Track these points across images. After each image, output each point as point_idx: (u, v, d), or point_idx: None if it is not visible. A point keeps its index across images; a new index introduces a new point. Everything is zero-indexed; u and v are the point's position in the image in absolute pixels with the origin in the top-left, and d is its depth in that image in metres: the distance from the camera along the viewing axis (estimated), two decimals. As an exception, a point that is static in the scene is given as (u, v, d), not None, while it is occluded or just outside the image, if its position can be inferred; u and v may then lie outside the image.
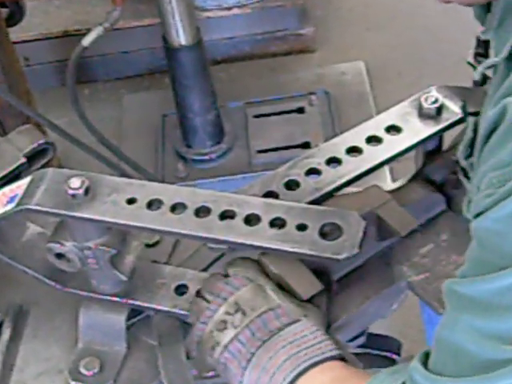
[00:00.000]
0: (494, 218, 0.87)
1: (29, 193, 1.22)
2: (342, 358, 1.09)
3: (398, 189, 1.37)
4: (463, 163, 1.25)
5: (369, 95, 3.01)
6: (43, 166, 1.36)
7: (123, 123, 3.07)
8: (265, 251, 1.17)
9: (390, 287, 1.29)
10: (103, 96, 3.26)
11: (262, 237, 1.14)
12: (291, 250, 1.13)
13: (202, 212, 1.18)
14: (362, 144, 1.30)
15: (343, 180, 1.27)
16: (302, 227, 1.15)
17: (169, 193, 1.21)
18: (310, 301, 1.16)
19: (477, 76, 1.13)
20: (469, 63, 1.30)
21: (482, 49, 1.25)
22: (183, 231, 1.17)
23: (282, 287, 1.16)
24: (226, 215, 1.18)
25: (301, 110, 2.94)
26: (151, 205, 1.20)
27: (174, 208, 1.19)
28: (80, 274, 1.29)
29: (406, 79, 3.02)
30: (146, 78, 3.30)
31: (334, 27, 3.40)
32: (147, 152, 2.90)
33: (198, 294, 1.19)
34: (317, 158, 1.29)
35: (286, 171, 1.28)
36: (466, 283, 0.91)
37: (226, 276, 1.18)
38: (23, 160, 1.36)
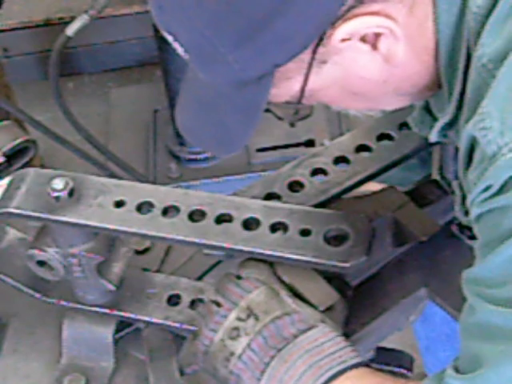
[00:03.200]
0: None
1: (8, 195, 1.22)
2: (365, 365, 1.10)
3: (414, 189, 1.37)
4: (464, 221, 1.26)
5: (378, 89, 3.01)
6: (24, 166, 1.36)
7: (111, 119, 3.07)
8: (265, 258, 1.17)
9: (408, 297, 1.29)
10: (89, 90, 3.26)
11: (263, 242, 1.15)
12: (294, 256, 1.13)
13: (196, 216, 1.19)
14: (373, 142, 1.30)
15: (352, 181, 1.27)
16: (305, 232, 1.15)
17: (160, 195, 1.21)
18: (326, 311, 1.16)
19: (434, 138, 1.17)
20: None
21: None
22: (176, 236, 1.17)
23: (297, 295, 1.16)
24: (223, 219, 1.18)
25: (304, 105, 2.94)
26: (141, 208, 1.20)
27: (166, 211, 1.19)
28: (64, 283, 1.30)
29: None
30: (136, 70, 3.30)
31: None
32: (137, 151, 2.90)
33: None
34: (323, 157, 1.29)
35: (290, 171, 1.28)
36: (477, 267, 1.00)
37: (239, 278, 1.18)
38: (2, 159, 1.36)
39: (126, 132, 3.00)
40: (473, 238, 1.05)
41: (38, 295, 1.33)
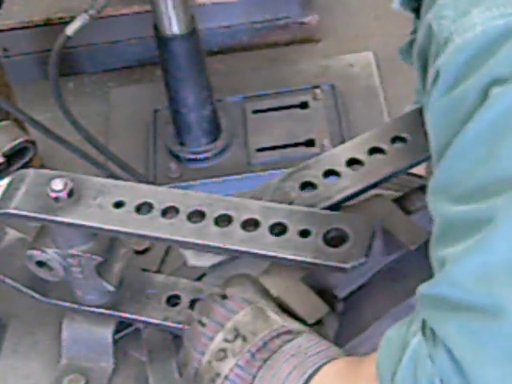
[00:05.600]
0: None
1: (7, 195, 1.22)
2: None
3: (402, 197, 1.36)
4: None
5: (378, 89, 3.01)
6: (23, 167, 1.37)
7: (111, 119, 3.07)
8: (264, 259, 1.17)
9: (399, 305, 1.29)
10: (89, 90, 3.26)
11: (261, 243, 1.15)
12: (293, 257, 1.13)
13: (195, 216, 1.19)
14: (364, 156, 1.29)
15: (341, 196, 1.25)
16: (304, 233, 1.15)
17: (160, 195, 1.21)
18: (316, 325, 1.15)
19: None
20: None
21: None
22: (175, 237, 1.17)
23: (285, 310, 1.15)
24: (222, 220, 1.18)
25: (304, 105, 2.94)
26: (140, 209, 1.20)
27: (166, 212, 1.19)
28: (63, 283, 1.30)
29: (419, 71, 3.02)
30: (136, 70, 3.30)
31: (341, 15, 3.40)
32: (137, 151, 2.90)
33: (193, 312, 1.17)
34: (313, 170, 1.27)
35: (279, 184, 1.27)
36: (435, 174, 0.97)
37: (224, 297, 1.16)
38: (1, 159, 1.36)
39: (125, 132, 3.00)
40: None
41: (37, 296, 1.33)
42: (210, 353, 1.11)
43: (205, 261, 1.21)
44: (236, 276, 1.19)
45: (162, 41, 2.58)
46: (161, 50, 2.61)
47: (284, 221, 1.16)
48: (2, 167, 1.36)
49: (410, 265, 1.30)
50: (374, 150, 1.29)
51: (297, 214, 1.17)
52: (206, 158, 2.82)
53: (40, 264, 1.26)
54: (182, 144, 2.83)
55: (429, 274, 1.28)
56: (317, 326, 1.15)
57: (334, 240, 1.14)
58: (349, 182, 1.26)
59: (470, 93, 0.90)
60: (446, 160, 0.94)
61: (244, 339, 1.10)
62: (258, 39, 3.31)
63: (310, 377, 1.06)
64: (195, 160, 2.82)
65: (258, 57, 3.28)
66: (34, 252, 1.24)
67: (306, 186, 1.26)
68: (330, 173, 1.28)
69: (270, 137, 2.84)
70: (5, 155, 1.36)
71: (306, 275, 1.18)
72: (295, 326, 1.12)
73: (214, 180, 2.76)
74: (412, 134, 1.30)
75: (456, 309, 0.89)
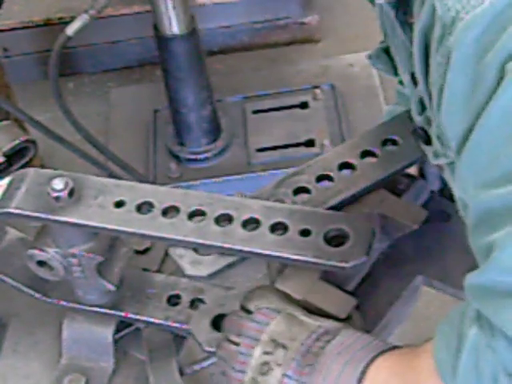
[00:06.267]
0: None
1: (8, 195, 1.22)
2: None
3: (387, 182, 1.36)
4: (418, 120, 1.20)
5: (378, 89, 3.01)
6: (24, 166, 1.37)
7: (111, 119, 3.07)
8: (265, 259, 1.17)
9: (407, 287, 1.29)
10: (89, 90, 3.26)
11: (262, 243, 1.15)
12: (294, 257, 1.13)
13: (196, 216, 1.19)
14: (356, 160, 1.29)
15: (335, 200, 1.25)
16: (305, 232, 1.15)
17: (160, 195, 1.21)
18: (346, 320, 1.14)
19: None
20: None
21: None
22: (176, 237, 1.17)
23: (312, 311, 1.15)
24: (223, 219, 1.18)
25: (304, 105, 2.94)
26: (141, 208, 1.20)
27: (166, 212, 1.19)
28: (64, 283, 1.30)
29: (419, 71, 3.02)
30: (136, 70, 3.30)
31: (341, 15, 3.40)
32: (137, 150, 2.90)
33: (224, 336, 1.14)
34: (306, 175, 1.28)
35: (273, 190, 1.27)
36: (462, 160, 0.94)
37: (248, 312, 1.15)
38: (2, 159, 1.36)
39: (125, 132, 3.00)
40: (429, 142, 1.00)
41: (37, 295, 1.33)
42: (252, 369, 1.09)
43: (202, 270, 1.21)
44: (253, 290, 1.18)
45: (162, 41, 2.57)
46: (161, 50, 2.61)
47: (284, 220, 1.16)
48: (2, 167, 1.36)
49: (407, 248, 1.31)
50: (365, 154, 1.30)
51: (297, 214, 1.17)
52: (206, 158, 2.82)
53: (40, 263, 1.26)
54: (181, 144, 2.82)
55: (428, 253, 1.28)
56: (347, 320, 1.14)
57: (335, 239, 1.14)
58: (342, 187, 1.26)
59: (488, 71, 0.89)
60: (472, 145, 0.91)
61: (284, 347, 1.08)
62: (258, 39, 3.31)
63: (363, 372, 1.04)
64: (195, 160, 2.82)
65: (258, 57, 3.28)
66: (35, 251, 1.24)
67: (300, 191, 1.26)
68: (322, 177, 1.28)
69: (270, 137, 2.84)
70: (5, 155, 1.37)
71: (323, 273, 1.18)
72: (330, 324, 1.12)
73: (214, 180, 2.76)
74: (403, 135, 1.30)
75: (509, 295, 0.87)
